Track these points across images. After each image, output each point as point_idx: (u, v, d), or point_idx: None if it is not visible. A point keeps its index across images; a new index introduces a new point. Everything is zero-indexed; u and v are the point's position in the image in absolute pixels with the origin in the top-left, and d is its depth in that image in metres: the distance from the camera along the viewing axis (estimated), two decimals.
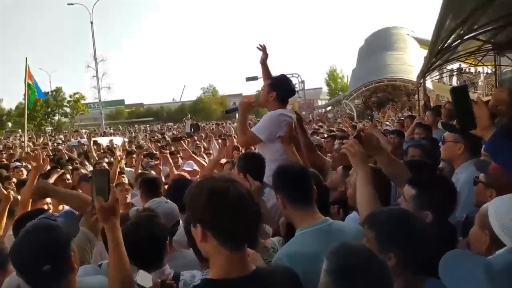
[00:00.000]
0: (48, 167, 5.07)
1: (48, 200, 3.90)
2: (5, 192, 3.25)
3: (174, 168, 5.65)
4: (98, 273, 2.07)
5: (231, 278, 1.31)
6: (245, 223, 1.32)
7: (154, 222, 1.99)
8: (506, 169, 1.81)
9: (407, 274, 1.56)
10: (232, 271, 1.32)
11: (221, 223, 1.30)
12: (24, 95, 10.43)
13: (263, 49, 3.96)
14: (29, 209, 3.20)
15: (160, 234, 1.97)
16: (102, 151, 9.83)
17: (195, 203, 1.33)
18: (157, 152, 6.94)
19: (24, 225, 1.76)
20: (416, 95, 16.62)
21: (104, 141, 13.78)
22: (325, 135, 7.64)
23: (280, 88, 3.52)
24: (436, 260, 1.35)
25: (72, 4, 34.76)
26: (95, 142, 10.43)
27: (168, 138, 14.01)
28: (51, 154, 9.64)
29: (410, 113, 13.01)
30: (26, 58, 10.40)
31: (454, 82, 21.92)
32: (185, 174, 4.80)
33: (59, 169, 5.50)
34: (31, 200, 3.27)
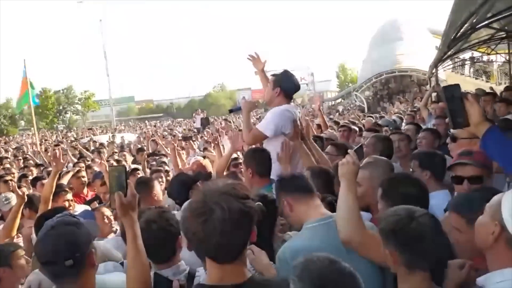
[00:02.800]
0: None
1: (69, 197, 3.97)
2: (20, 193, 3.29)
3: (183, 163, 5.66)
4: (118, 270, 2.09)
5: (223, 285, 1.35)
6: (229, 243, 1.33)
7: (165, 217, 2.00)
8: (502, 164, 1.80)
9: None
10: (225, 278, 1.36)
11: (204, 244, 1.33)
12: (24, 95, 10.33)
13: (257, 59, 3.92)
14: (50, 206, 3.30)
15: (172, 229, 1.99)
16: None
17: (186, 221, 1.38)
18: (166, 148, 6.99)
19: None
20: (428, 85, 16.41)
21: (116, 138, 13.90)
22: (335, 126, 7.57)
23: (284, 83, 3.52)
24: None
25: (81, 1, 34.97)
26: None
27: (179, 134, 14.09)
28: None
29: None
30: (24, 60, 10.32)
31: (467, 71, 21.59)
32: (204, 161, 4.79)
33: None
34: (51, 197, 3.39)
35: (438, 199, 2.37)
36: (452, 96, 1.81)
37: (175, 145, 5.12)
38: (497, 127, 1.77)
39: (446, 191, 2.74)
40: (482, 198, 1.69)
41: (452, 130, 2.96)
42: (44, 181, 4.98)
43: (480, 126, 1.73)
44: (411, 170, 2.93)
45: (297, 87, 3.65)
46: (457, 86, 1.88)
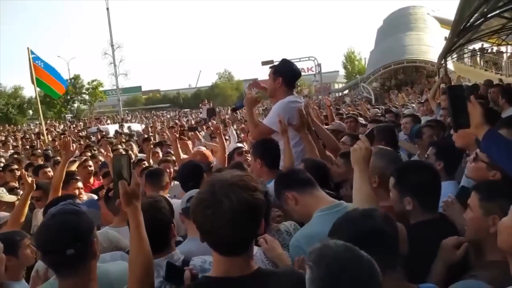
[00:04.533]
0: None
1: (80, 184, 4.00)
2: (29, 181, 3.32)
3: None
4: (125, 260, 2.09)
5: (230, 277, 1.34)
6: (237, 236, 1.32)
7: (157, 207, 2.01)
8: (503, 166, 1.79)
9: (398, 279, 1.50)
10: (232, 270, 1.35)
11: (213, 235, 1.33)
12: (33, 84, 10.10)
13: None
14: (60, 193, 3.33)
15: (164, 218, 2.00)
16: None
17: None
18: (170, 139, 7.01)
19: None
20: (437, 77, 16.21)
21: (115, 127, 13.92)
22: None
23: (285, 72, 3.50)
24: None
25: None
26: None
27: (185, 124, 14.12)
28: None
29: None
30: (28, 49, 9.84)
31: (476, 62, 21.25)
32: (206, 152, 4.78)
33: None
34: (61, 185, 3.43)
35: (444, 189, 2.35)
36: (456, 96, 1.81)
37: (177, 136, 5.12)
38: (496, 130, 1.78)
39: (454, 182, 2.76)
40: (503, 186, 1.78)
41: (478, 152, 2.78)
42: (47, 169, 5.04)
43: (479, 128, 1.74)
44: (426, 156, 2.93)
45: (297, 74, 3.62)
46: (460, 86, 1.90)
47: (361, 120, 6.66)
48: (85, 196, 4.31)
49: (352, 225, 1.48)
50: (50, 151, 8.58)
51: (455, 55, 14.83)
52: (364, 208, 1.60)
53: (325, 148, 3.63)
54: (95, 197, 4.43)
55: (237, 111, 14.59)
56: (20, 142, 12.94)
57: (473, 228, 1.78)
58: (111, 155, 4.80)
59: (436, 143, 3.04)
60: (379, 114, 8.05)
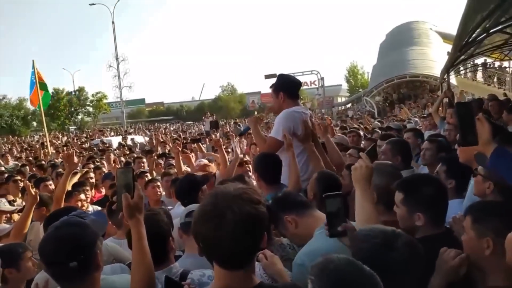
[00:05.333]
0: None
1: (82, 197, 4.00)
2: (33, 192, 3.31)
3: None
4: (125, 272, 2.08)
5: None
6: (240, 249, 1.30)
7: (155, 219, 2.01)
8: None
9: None
10: (233, 285, 1.33)
11: (215, 248, 1.31)
12: (36, 96, 10.50)
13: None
14: (62, 205, 3.33)
15: (162, 230, 2.00)
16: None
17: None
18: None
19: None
20: (440, 91, 16.24)
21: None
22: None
23: (285, 85, 3.52)
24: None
25: (93, 4, 35.38)
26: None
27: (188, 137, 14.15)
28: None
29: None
30: (33, 61, 10.49)
31: (479, 77, 21.31)
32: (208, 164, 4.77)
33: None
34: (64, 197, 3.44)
35: (454, 207, 2.30)
36: (464, 113, 1.81)
37: (179, 149, 5.13)
38: (504, 148, 1.76)
39: (461, 200, 2.68)
40: (495, 207, 1.74)
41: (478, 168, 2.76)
42: (48, 183, 5.03)
43: (487, 145, 1.73)
44: (435, 173, 2.85)
45: (297, 84, 3.61)
46: (469, 103, 1.88)
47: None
48: (90, 208, 4.30)
49: (371, 250, 1.42)
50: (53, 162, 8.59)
51: (456, 70, 14.87)
52: (394, 231, 1.50)
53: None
54: (99, 209, 4.42)
55: (240, 124, 14.63)
56: (24, 154, 12.97)
57: (470, 251, 1.72)
58: (118, 166, 4.82)
59: (446, 159, 2.90)
60: (381, 128, 8.04)
